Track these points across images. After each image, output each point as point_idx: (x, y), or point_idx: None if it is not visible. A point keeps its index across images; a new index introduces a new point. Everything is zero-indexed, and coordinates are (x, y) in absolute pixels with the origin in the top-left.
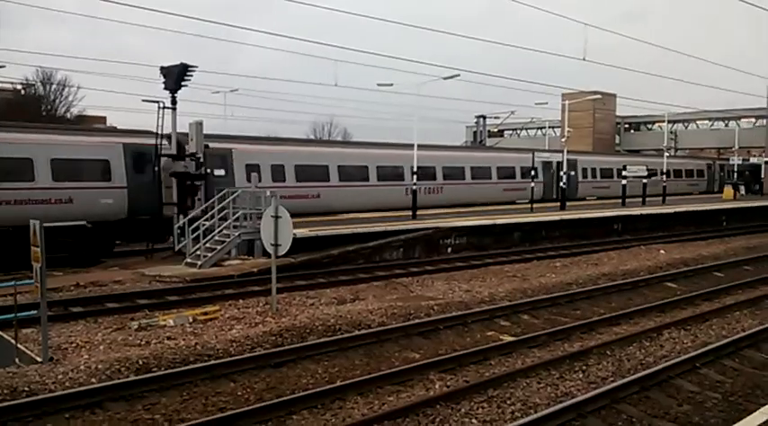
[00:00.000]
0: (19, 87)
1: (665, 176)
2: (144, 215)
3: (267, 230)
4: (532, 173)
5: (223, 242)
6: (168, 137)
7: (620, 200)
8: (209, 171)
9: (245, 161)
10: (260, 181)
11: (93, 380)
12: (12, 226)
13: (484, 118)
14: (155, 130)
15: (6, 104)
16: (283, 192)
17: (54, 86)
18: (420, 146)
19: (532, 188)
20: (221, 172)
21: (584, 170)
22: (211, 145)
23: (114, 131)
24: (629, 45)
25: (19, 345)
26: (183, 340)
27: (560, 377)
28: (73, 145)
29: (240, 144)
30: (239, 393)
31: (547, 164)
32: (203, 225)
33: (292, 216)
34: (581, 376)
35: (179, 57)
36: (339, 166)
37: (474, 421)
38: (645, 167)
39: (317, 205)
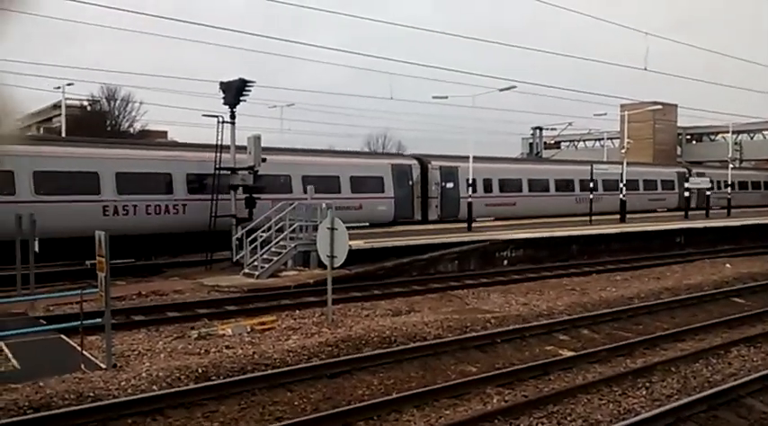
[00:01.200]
0: (85, 103)
1: (729, 188)
2: (403, 217)
3: (323, 242)
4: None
5: (279, 253)
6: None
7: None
8: (444, 184)
9: (466, 176)
10: (474, 191)
11: (155, 387)
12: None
13: (540, 129)
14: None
15: (74, 120)
16: (491, 201)
17: (118, 102)
18: (583, 162)
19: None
20: (450, 185)
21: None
22: (445, 163)
23: (382, 155)
24: (691, 53)
25: (84, 352)
26: (241, 349)
27: (623, 393)
28: (362, 165)
29: (463, 162)
30: (296, 402)
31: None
32: (261, 236)
33: (496, 219)
34: (644, 393)
35: (238, 72)
36: (529, 180)
37: None
38: (708, 179)
39: (513, 211)
